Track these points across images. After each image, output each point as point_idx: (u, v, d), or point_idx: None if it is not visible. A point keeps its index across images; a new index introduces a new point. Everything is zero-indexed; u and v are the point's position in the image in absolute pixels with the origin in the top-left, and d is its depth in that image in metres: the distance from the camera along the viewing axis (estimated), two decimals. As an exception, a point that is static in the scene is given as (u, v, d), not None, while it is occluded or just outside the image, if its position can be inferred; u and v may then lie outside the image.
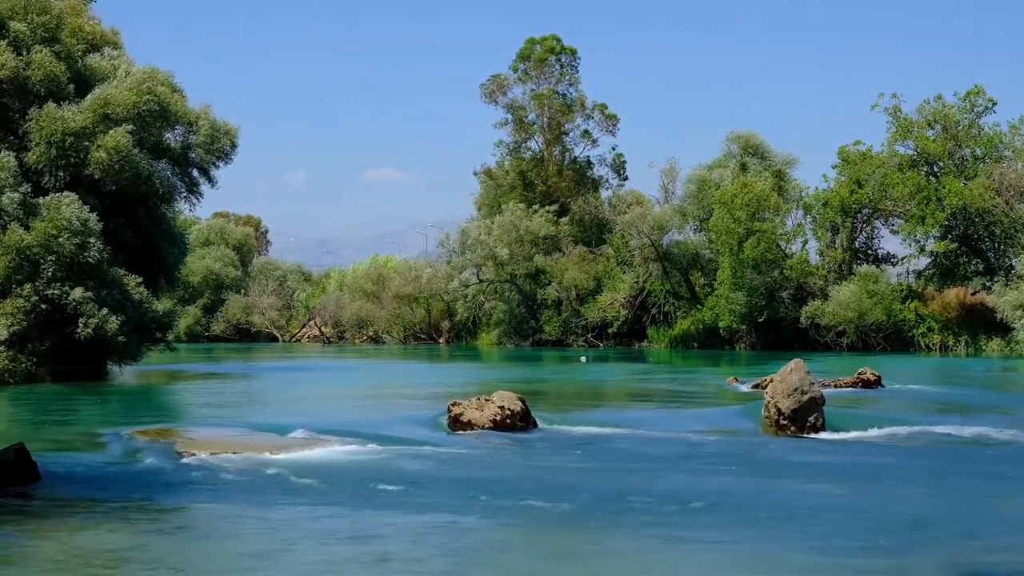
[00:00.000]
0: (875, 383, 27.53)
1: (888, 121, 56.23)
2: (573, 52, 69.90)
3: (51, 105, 30.93)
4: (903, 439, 18.49)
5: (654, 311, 62.34)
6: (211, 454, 15.64)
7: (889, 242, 59.25)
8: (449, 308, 72.27)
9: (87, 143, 31.17)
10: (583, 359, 46.65)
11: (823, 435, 18.63)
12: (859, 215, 57.10)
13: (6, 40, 30.99)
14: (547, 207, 67.06)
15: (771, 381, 20.34)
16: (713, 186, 60.23)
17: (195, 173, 35.93)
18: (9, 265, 28.65)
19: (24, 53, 31.37)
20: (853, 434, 18.88)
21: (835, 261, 56.73)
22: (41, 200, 29.87)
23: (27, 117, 31.17)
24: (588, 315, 63.07)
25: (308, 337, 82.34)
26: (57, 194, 29.92)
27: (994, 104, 55.01)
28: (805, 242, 58.48)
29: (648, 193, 68.04)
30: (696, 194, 61.90)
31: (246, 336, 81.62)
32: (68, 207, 29.34)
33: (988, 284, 52.94)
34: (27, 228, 29.01)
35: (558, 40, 69.84)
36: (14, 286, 28.94)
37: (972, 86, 55.29)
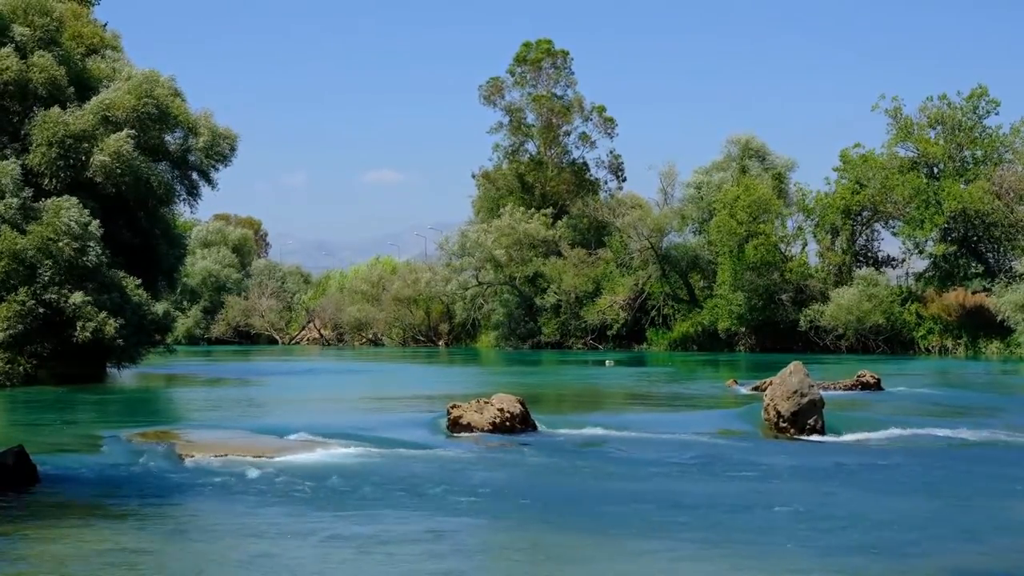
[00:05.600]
0: (875, 386, 27.53)
1: (888, 123, 56.33)
2: (565, 55, 70.14)
3: (56, 109, 30.96)
4: (902, 442, 18.48)
5: (653, 313, 62.36)
6: (210, 456, 15.63)
7: (889, 244, 59.37)
8: (448, 310, 72.32)
9: (87, 145, 31.20)
10: (608, 362, 46.24)
11: (822, 438, 18.62)
12: (859, 217, 57.15)
13: (12, 44, 31.03)
14: (544, 210, 67.13)
15: (770, 384, 20.33)
16: (713, 188, 60.29)
17: (195, 176, 35.99)
18: (4, 269, 28.62)
19: (26, 56, 31.43)
20: (852, 437, 18.87)
21: (835, 264, 56.75)
22: (41, 204, 29.88)
23: (29, 119, 31.22)
24: (587, 317, 63.07)
25: (307, 339, 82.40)
26: (57, 198, 29.92)
27: (997, 106, 55.06)
28: (805, 244, 58.58)
29: (646, 195, 68.25)
30: (695, 196, 61.97)
31: (246, 338, 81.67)
32: (68, 211, 29.33)
33: (988, 286, 52.96)
34: (24, 232, 29.00)
35: (550, 43, 70.11)
36: (6, 291, 28.90)
37: (976, 86, 55.35)
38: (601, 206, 67.51)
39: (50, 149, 30.79)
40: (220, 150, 35.44)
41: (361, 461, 15.71)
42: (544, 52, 69.64)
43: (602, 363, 46.07)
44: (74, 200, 29.80)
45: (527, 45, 70.26)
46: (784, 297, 55.49)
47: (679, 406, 25.55)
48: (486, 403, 19.06)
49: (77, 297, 29.21)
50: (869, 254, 58.86)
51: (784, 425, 18.89)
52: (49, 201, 29.82)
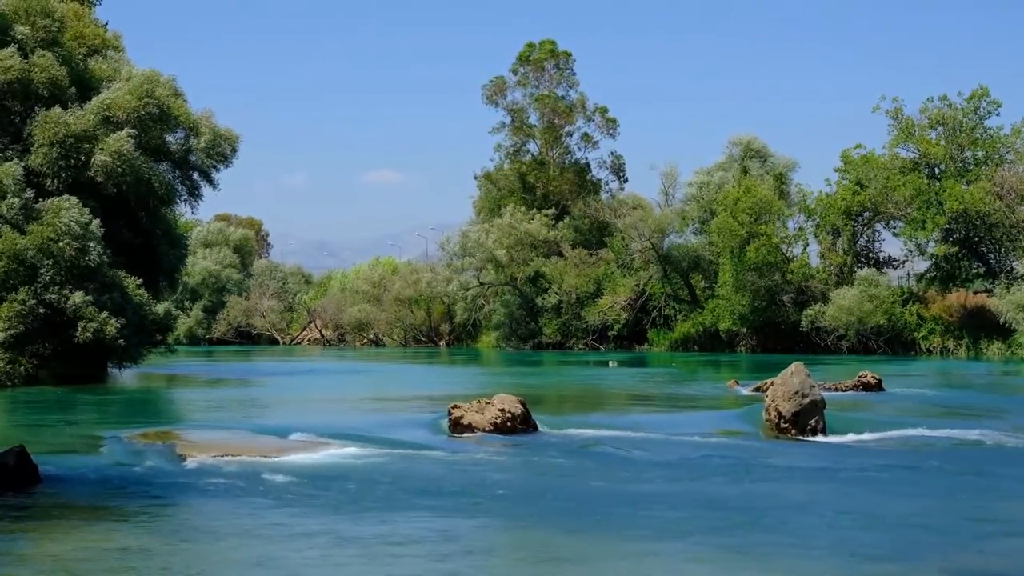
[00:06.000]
0: (876, 386, 27.53)
1: (890, 124, 56.34)
2: (568, 56, 70.25)
3: (57, 109, 30.96)
4: (903, 443, 18.47)
5: (654, 314, 62.38)
6: (211, 457, 15.63)
7: (890, 245, 59.37)
8: (449, 311, 72.32)
9: (88, 146, 31.19)
10: (611, 363, 46.08)
11: (824, 438, 18.62)
12: (860, 218, 57.16)
13: (15, 44, 31.02)
14: (546, 210, 67.15)
15: (772, 384, 20.32)
16: (714, 189, 60.34)
17: (196, 176, 35.97)
18: (5, 269, 28.61)
19: (28, 56, 31.43)
20: (853, 437, 18.87)
21: (836, 264, 56.75)
22: (41, 204, 29.84)
23: (31, 120, 31.22)
24: (588, 318, 63.09)
25: (308, 340, 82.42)
26: (58, 198, 29.90)
27: (998, 106, 55.05)
28: (806, 245, 58.61)
29: (648, 196, 68.34)
30: (697, 197, 62.02)
31: (247, 339, 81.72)
32: (68, 211, 29.30)
33: (989, 287, 52.95)
34: (24, 232, 28.98)
35: (554, 44, 70.23)
36: (7, 291, 28.87)
37: (977, 87, 55.36)
38: (602, 207, 67.55)
39: (51, 149, 30.78)
40: (221, 150, 35.43)
41: (362, 461, 15.71)
42: (548, 53, 69.71)
43: (605, 364, 45.96)
44: (74, 200, 29.78)
45: (531, 45, 70.36)
46: (785, 298, 55.50)
47: (680, 407, 25.54)
48: (487, 403, 19.07)
49: (78, 297, 29.19)
50: (870, 255, 58.86)
51: (785, 426, 18.89)
52: (49, 201, 29.80)
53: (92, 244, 29.70)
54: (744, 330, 56.93)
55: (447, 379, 38.22)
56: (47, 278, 29.07)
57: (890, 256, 59.27)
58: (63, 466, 14.85)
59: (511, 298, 67.43)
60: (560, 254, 66.00)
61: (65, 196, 29.97)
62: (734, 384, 29.51)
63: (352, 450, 16.58)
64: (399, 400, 27.70)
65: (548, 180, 69.87)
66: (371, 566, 9.87)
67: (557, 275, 64.55)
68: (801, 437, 18.66)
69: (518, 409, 18.95)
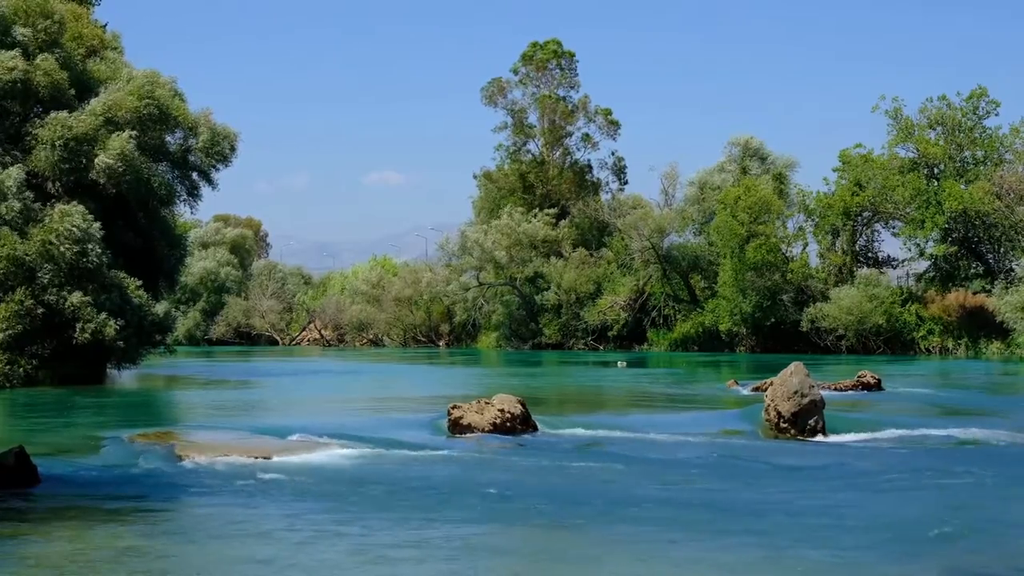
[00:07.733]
0: (875, 386, 27.55)
1: (889, 124, 56.36)
2: (572, 56, 70.24)
3: (62, 113, 30.91)
4: (903, 442, 18.48)
5: (654, 314, 62.40)
6: (210, 457, 15.63)
7: (890, 245, 59.45)
8: (449, 311, 72.29)
9: (89, 147, 31.14)
10: (620, 363, 45.94)
11: (823, 438, 18.63)
12: (860, 218, 57.19)
13: (17, 47, 30.96)
14: (547, 210, 67.15)
15: (771, 384, 20.32)
16: (714, 189, 60.38)
17: (195, 176, 35.92)
18: (3, 271, 28.57)
19: (28, 57, 31.39)
20: (853, 437, 18.87)
21: (836, 264, 56.78)
22: (42, 208, 29.76)
23: (31, 122, 31.17)
24: (588, 318, 63.10)
25: (308, 340, 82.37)
26: (64, 205, 29.81)
27: (997, 106, 55.13)
28: (806, 245, 58.66)
29: (648, 197, 68.36)
30: (696, 197, 62.05)
31: (246, 339, 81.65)
32: (72, 217, 29.24)
33: (988, 287, 52.98)
34: (24, 235, 28.93)
35: (559, 44, 70.18)
36: (5, 292, 28.83)
37: (976, 87, 55.42)
38: (602, 206, 67.55)
39: (53, 152, 30.73)
40: (220, 149, 35.32)
41: (361, 462, 15.71)
42: (552, 53, 69.65)
43: (611, 364, 45.79)
44: (81, 208, 29.72)
45: (535, 45, 70.26)
46: (785, 298, 55.52)
47: (680, 407, 25.53)
48: (487, 404, 19.07)
49: (76, 298, 29.16)
50: (870, 255, 58.90)
51: (785, 426, 18.89)
52: (57, 208, 29.68)
53: (91, 245, 29.67)
54: (744, 330, 56.95)
55: (447, 379, 38.21)
56: (46, 279, 29.04)
57: (889, 256, 59.35)
58: (62, 466, 14.86)
59: (511, 298, 67.44)
60: (560, 254, 66.03)
61: (74, 203, 29.91)
62: (734, 384, 29.52)
63: (352, 451, 16.58)
64: (399, 400, 27.70)
65: (548, 180, 69.87)
66: (371, 566, 9.87)
67: (557, 275, 64.57)
68: (800, 437, 18.66)
69: (518, 409, 18.95)
